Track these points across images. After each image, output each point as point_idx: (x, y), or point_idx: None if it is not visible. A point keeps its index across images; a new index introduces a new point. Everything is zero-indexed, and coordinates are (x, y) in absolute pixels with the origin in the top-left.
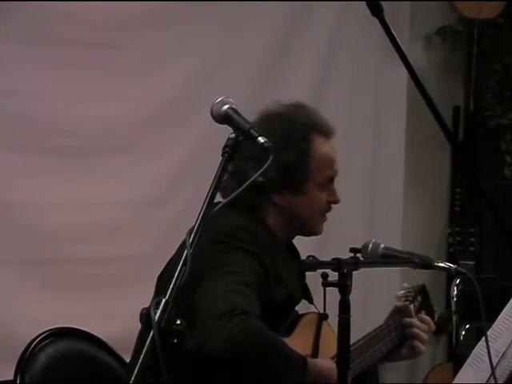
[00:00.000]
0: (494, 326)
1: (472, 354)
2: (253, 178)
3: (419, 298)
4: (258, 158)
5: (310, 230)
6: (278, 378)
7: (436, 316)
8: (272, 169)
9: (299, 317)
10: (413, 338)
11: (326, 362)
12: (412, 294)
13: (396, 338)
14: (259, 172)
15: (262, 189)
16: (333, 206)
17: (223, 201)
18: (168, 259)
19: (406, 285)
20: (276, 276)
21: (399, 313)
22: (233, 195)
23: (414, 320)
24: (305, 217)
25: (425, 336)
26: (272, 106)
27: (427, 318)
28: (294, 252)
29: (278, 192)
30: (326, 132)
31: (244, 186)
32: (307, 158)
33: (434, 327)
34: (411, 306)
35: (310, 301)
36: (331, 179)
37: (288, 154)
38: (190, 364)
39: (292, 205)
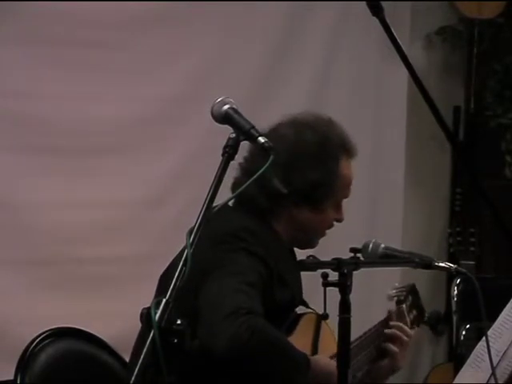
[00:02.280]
0: (494, 325)
1: (472, 354)
2: (253, 178)
3: (410, 298)
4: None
5: (309, 244)
6: (282, 377)
7: (426, 316)
8: (300, 182)
9: (298, 317)
10: (390, 353)
11: (325, 360)
12: (403, 293)
13: (374, 349)
14: (258, 173)
15: (283, 199)
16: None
17: (224, 200)
18: (168, 259)
19: (397, 284)
20: (279, 278)
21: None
22: (234, 194)
23: (394, 331)
24: (313, 232)
25: (396, 350)
26: (301, 116)
27: (404, 327)
28: (294, 257)
29: (297, 206)
30: (352, 153)
31: (245, 184)
32: (334, 178)
33: (411, 334)
34: (403, 306)
35: (307, 305)
36: (344, 198)
37: (318, 171)
38: (194, 363)
39: (307, 220)
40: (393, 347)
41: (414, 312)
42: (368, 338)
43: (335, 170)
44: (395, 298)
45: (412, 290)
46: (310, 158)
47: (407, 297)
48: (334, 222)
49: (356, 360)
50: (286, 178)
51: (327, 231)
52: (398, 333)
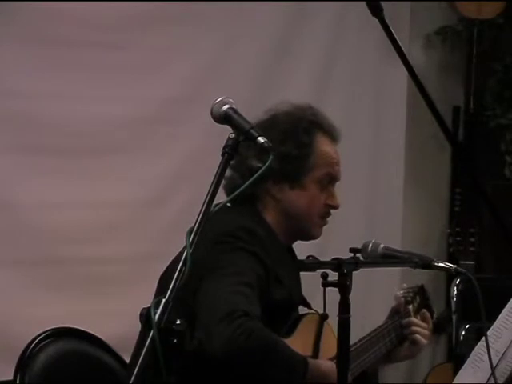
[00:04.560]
0: (494, 325)
1: (472, 354)
2: (253, 178)
3: (418, 299)
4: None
5: (307, 232)
6: (279, 380)
7: (435, 316)
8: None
9: (300, 317)
10: (413, 336)
11: (326, 363)
12: (411, 294)
13: (395, 338)
14: (259, 172)
15: (262, 180)
16: (332, 211)
17: (223, 200)
18: (168, 259)
19: (405, 285)
20: (276, 277)
21: (398, 313)
22: (234, 194)
23: (414, 319)
24: (302, 214)
25: (425, 333)
26: (281, 105)
27: (428, 315)
28: (293, 255)
29: (275, 183)
30: (330, 134)
31: (245, 184)
32: (308, 151)
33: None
34: (410, 307)
35: (309, 306)
36: (331, 179)
37: (289, 144)
38: (192, 365)
39: (289, 199)
40: (421, 338)
41: (422, 313)
42: (383, 330)
43: (309, 144)
44: (403, 299)
45: (420, 291)
46: (281, 134)
47: (414, 298)
48: (332, 211)
49: (372, 351)
50: (261, 158)
51: (328, 225)
52: (416, 321)
